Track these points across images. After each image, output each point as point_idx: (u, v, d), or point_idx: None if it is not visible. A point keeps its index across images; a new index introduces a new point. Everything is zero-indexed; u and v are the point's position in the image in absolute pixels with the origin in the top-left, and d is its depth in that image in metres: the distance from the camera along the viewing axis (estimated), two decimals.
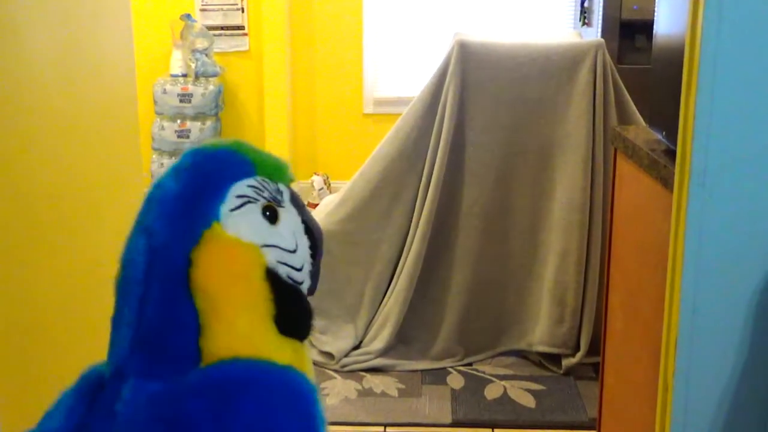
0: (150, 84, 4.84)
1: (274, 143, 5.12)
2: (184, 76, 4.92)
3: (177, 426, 0.95)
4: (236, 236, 1.03)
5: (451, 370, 3.05)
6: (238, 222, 1.04)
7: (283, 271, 1.07)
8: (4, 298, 1.71)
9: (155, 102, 4.85)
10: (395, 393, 2.88)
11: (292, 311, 1.07)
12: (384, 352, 3.08)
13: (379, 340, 3.10)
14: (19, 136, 1.78)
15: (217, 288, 1.01)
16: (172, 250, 1.02)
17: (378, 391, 2.89)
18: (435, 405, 2.80)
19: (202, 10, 5.09)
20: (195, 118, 4.86)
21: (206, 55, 4.92)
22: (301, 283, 1.11)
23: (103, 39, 2.23)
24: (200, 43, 4.89)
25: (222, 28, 5.11)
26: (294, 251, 1.09)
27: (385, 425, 2.68)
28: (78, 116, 2.07)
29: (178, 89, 4.84)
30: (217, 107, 4.94)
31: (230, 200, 1.05)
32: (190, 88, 4.84)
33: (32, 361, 1.84)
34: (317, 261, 1.16)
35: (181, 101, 4.83)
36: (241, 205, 1.06)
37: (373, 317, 3.18)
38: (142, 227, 1.05)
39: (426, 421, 2.70)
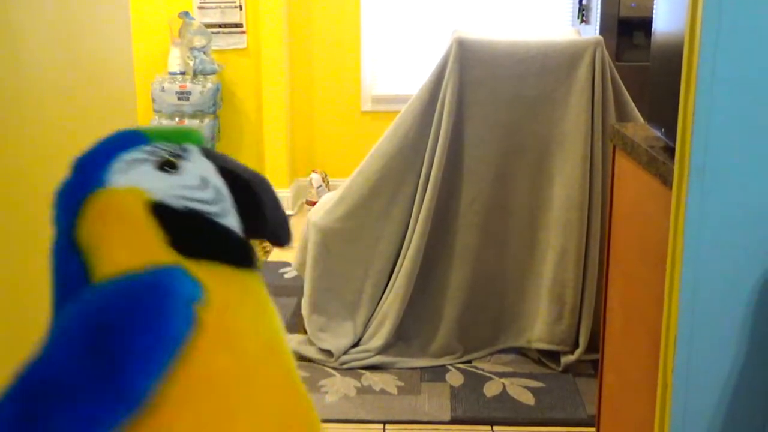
0: (148, 82, 4.84)
1: (272, 141, 5.12)
2: (183, 74, 4.92)
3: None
4: (116, 188, 1.10)
5: (450, 367, 3.06)
6: (123, 179, 1.10)
7: (181, 204, 1.10)
8: (4, 289, 1.71)
9: (153, 100, 4.85)
10: (394, 390, 2.88)
11: (193, 234, 1.10)
12: (383, 350, 3.08)
13: (378, 338, 3.10)
14: (17, 133, 1.78)
15: (96, 236, 1.07)
16: (61, 223, 1.11)
17: (377, 388, 2.89)
18: (434, 402, 2.80)
19: (200, 7, 5.08)
20: (193, 116, 4.86)
21: (204, 52, 4.91)
22: (217, 214, 1.13)
23: (101, 37, 2.23)
24: (198, 41, 4.89)
25: (220, 25, 5.10)
26: (198, 187, 1.13)
27: (385, 422, 2.68)
28: (76, 114, 2.06)
29: (176, 87, 4.83)
30: (216, 105, 4.93)
31: (117, 166, 1.11)
32: (189, 86, 4.84)
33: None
34: (269, 205, 1.19)
35: (179, 99, 4.83)
36: (129, 167, 1.11)
37: (372, 315, 3.18)
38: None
39: (425, 418, 2.70)
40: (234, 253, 1.15)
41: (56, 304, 1.10)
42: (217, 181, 1.16)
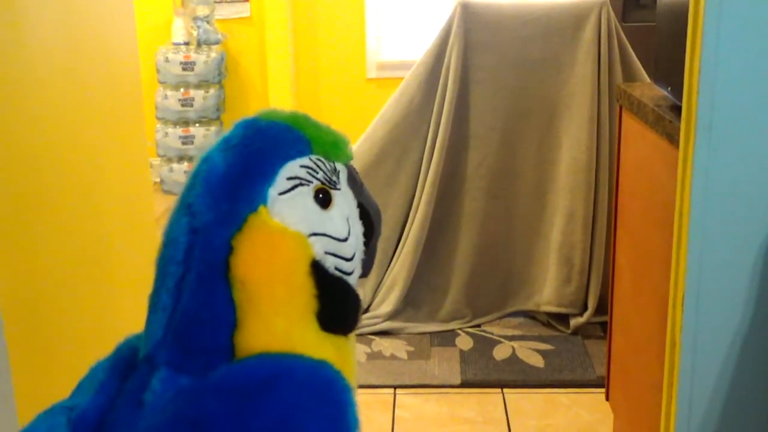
0: (152, 53, 4.82)
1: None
2: (186, 44, 4.90)
3: (199, 426, 0.89)
4: (283, 223, 0.94)
5: (459, 332, 3.07)
6: (287, 207, 0.94)
7: (331, 263, 0.97)
8: (12, 271, 1.72)
9: (158, 71, 4.83)
10: (404, 355, 2.90)
11: (337, 307, 0.97)
12: (392, 316, 3.10)
13: (387, 304, 3.11)
14: (22, 105, 1.78)
15: (257, 280, 0.92)
16: (213, 234, 0.93)
17: (387, 354, 2.91)
18: (444, 366, 2.82)
19: None
20: (198, 86, 4.84)
21: (208, 22, 4.89)
22: (350, 274, 1.00)
23: (104, 8, 2.22)
24: (201, 11, 4.86)
25: None
26: (345, 239, 0.99)
27: (395, 387, 2.71)
28: (80, 86, 2.06)
29: (180, 57, 4.81)
30: (220, 75, 4.92)
31: (280, 182, 0.95)
32: (193, 56, 4.82)
33: (43, 338, 1.85)
34: (373, 243, 1.05)
35: (183, 69, 4.81)
36: (292, 188, 0.95)
37: (381, 281, 3.19)
38: (186, 204, 0.96)
39: (435, 382, 2.72)
40: (354, 321, 1.01)
41: (186, 324, 0.95)
42: (358, 229, 1.01)
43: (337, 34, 5.28)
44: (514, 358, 2.86)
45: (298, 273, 0.93)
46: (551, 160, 3.11)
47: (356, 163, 1.05)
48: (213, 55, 4.85)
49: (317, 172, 0.97)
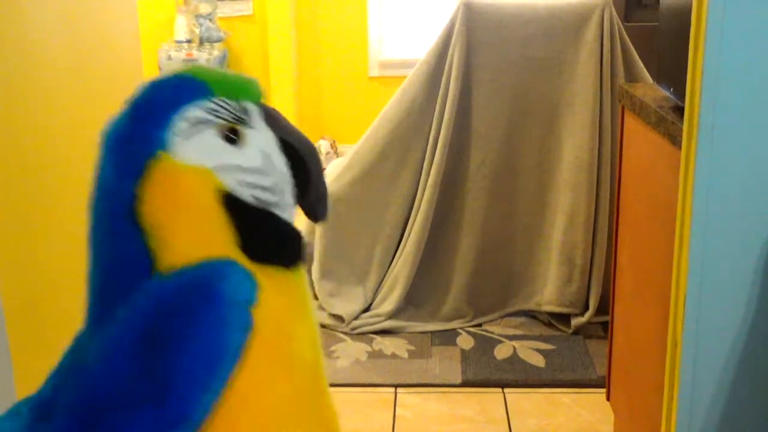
0: (155, 50, 4.82)
1: (280, 108, 5.04)
2: (189, 41, 4.90)
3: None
4: (185, 163, 0.95)
5: (460, 331, 3.07)
6: (189, 148, 0.95)
7: (248, 193, 0.97)
8: (13, 268, 1.72)
9: (160, 68, 4.84)
10: (405, 354, 2.90)
11: (262, 237, 0.98)
12: (393, 314, 3.10)
13: (388, 303, 3.11)
14: (24, 102, 1.78)
15: (163, 219, 0.93)
16: (115, 186, 0.95)
17: (388, 352, 2.91)
18: (445, 366, 2.82)
19: None
20: None
21: (210, 20, 4.89)
22: (277, 205, 1.00)
23: (106, 5, 2.22)
24: (204, 8, 4.86)
25: None
26: (260, 170, 0.99)
27: (396, 386, 2.71)
28: (83, 83, 2.06)
29: (182, 55, 4.82)
30: None
31: (178, 125, 0.96)
32: (195, 53, 4.82)
33: (44, 335, 1.85)
34: (313, 179, 1.05)
35: None
36: (192, 129, 0.96)
37: (383, 280, 3.19)
38: (95, 167, 0.99)
39: (436, 381, 2.72)
40: (290, 252, 1.02)
41: (106, 280, 0.97)
42: (279, 160, 1.01)
43: (339, 32, 5.28)
44: (515, 358, 2.86)
45: (205, 204, 0.94)
46: (553, 160, 3.11)
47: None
48: (215, 52, 4.85)
49: (221, 112, 0.98)
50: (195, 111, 0.97)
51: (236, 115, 0.99)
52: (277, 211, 1.00)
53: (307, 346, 1.01)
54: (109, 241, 0.95)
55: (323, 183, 1.08)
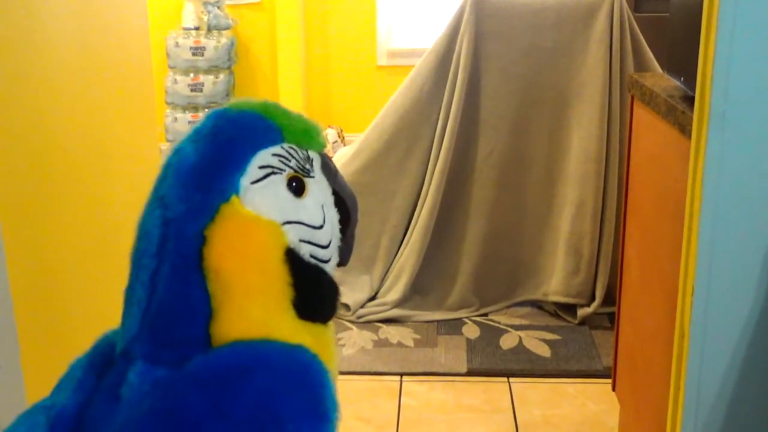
0: (162, 37, 4.82)
1: (288, 96, 5.11)
2: (197, 29, 4.89)
3: (177, 416, 0.88)
4: (256, 212, 0.93)
5: (466, 320, 3.07)
6: (259, 196, 0.94)
7: (306, 250, 0.97)
8: (22, 252, 1.72)
9: (168, 55, 4.83)
10: (411, 343, 2.90)
11: (313, 294, 0.97)
12: (400, 303, 3.10)
13: (394, 291, 3.11)
14: (33, 88, 1.78)
15: (230, 270, 0.92)
16: (186, 225, 0.93)
17: (394, 341, 2.91)
18: (450, 355, 2.82)
19: None
20: (208, 71, 4.84)
21: (218, 7, 4.88)
22: (327, 261, 1.00)
23: None
24: None
25: None
26: (320, 227, 0.99)
27: (401, 374, 2.71)
28: (92, 71, 2.06)
29: (190, 42, 4.81)
30: (230, 60, 4.91)
31: (252, 171, 0.95)
32: (203, 41, 4.82)
33: (53, 319, 1.86)
34: (350, 231, 1.05)
35: (193, 54, 4.81)
36: (264, 177, 0.95)
37: (389, 268, 3.19)
38: (158, 197, 0.96)
39: (441, 370, 2.72)
40: (331, 308, 1.02)
41: (160, 314, 0.94)
42: (333, 214, 1.01)
43: (347, 21, 5.27)
44: (520, 348, 2.86)
45: (272, 261, 0.93)
46: (561, 150, 3.10)
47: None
48: (223, 40, 4.84)
49: (290, 161, 0.97)
50: (267, 157, 0.96)
51: (302, 165, 0.98)
52: (327, 268, 1.00)
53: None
54: (172, 279, 0.93)
55: (354, 231, 1.08)
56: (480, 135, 3.11)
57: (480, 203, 3.14)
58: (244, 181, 0.94)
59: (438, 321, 3.06)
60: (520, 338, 2.92)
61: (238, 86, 5.08)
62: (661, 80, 1.95)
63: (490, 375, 2.70)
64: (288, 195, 0.96)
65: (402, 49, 5.26)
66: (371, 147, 3.15)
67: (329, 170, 1.03)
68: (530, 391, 2.61)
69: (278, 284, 0.94)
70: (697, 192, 1.43)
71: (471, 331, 2.99)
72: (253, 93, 5.18)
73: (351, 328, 3.00)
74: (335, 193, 1.02)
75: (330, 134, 5.05)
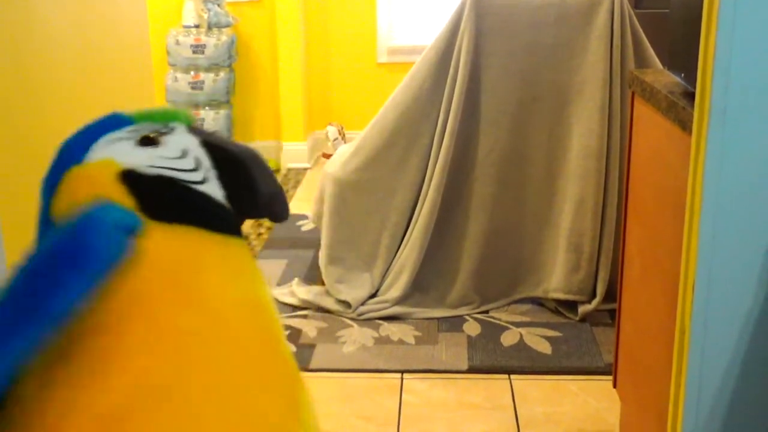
0: (163, 35, 4.82)
1: (288, 94, 5.10)
2: (197, 26, 4.89)
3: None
4: (89, 161, 1.09)
5: (467, 317, 3.07)
6: (99, 154, 1.09)
7: (156, 171, 1.08)
8: (22, 252, 1.72)
9: (168, 53, 4.83)
10: (412, 340, 2.90)
11: (159, 198, 1.08)
12: (400, 300, 3.10)
13: (395, 289, 3.11)
14: (33, 87, 1.78)
15: (63, 206, 1.05)
16: (43, 206, 1.09)
17: (395, 338, 2.91)
18: (451, 352, 2.82)
19: None
20: (208, 69, 4.84)
21: (218, 5, 4.88)
22: (198, 182, 1.11)
23: None
24: None
25: None
26: (179, 157, 1.11)
27: (402, 372, 2.71)
28: (92, 69, 2.06)
29: (191, 40, 4.81)
30: (231, 58, 4.91)
31: (98, 145, 1.10)
32: (203, 39, 4.81)
33: None
34: (254, 177, 1.15)
35: (194, 52, 4.81)
36: (109, 145, 1.10)
37: (390, 266, 3.19)
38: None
39: (442, 367, 2.72)
40: (211, 218, 1.12)
41: None
42: (199, 152, 1.14)
43: (348, 18, 5.26)
44: (521, 345, 2.86)
45: (101, 183, 1.06)
46: (562, 147, 3.09)
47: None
48: (224, 38, 4.84)
49: (140, 131, 1.12)
50: (115, 134, 1.12)
51: (156, 130, 1.12)
52: (200, 188, 1.11)
53: (235, 299, 1.08)
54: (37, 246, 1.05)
55: (276, 183, 1.18)
56: (480, 132, 3.11)
57: (480, 200, 3.13)
58: (88, 154, 1.10)
59: (439, 318, 3.06)
60: (521, 335, 2.92)
61: (239, 84, 5.08)
62: (661, 76, 1.95)
63: (491, 372, 2.70)
64: (135, 147, 1.11)
65: (402, 46, 5.26)
66: (371, 144, 3.15)
67: (199, 132, 1.18)
68: (531, 388, 2.61)
69: (113, 197, 1.06)
70: (697, 188, 1.43)
71: (472, 328, 2.99)
72: (254, 90, 5.18)
73: (352, 326, 3.00)
74: (210, 144, 1.15)
75: (331, 131, 5.05)
